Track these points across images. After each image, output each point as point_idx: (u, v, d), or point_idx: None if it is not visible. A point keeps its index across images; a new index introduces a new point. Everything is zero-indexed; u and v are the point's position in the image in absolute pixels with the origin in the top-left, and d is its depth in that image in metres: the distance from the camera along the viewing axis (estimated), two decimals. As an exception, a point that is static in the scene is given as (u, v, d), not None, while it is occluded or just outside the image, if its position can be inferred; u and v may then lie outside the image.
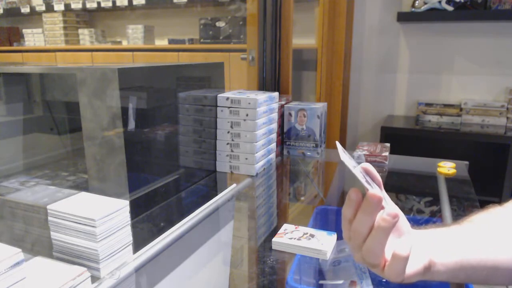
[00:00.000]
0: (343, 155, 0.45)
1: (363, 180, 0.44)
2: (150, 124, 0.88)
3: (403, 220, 0.49)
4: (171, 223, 0.79)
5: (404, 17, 2.20)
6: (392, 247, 0.44)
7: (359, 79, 2.49)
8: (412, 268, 0.45)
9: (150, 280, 0.65)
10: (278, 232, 0.78)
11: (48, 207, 0.60)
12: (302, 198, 1.11)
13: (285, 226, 0.81)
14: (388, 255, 0.45)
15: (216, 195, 0.96)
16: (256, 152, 1.11)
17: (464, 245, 0.49)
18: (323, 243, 0.73)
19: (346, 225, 0.46)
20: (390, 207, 0.44)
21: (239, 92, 1.19)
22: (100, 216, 0.57)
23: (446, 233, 0.51)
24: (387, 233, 0.43)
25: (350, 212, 0.45)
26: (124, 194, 0.80)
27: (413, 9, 2.15)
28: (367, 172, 0.47)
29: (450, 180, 1.12)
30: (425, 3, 2.10)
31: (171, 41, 2.94)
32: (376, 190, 0.43)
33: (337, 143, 0.47)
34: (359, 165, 0.46)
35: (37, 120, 1.09)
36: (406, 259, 0.42)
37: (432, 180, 1.13)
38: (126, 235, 0.63)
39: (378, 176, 0.47)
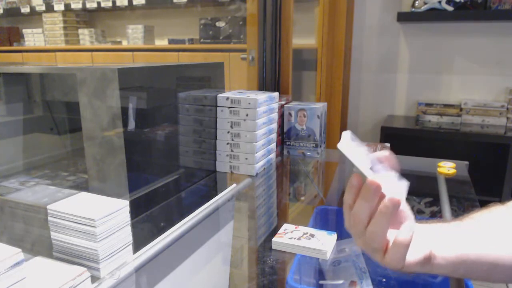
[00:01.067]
0: (346, 144, 0.45)
1: (362, 169, 0.44)
2: (150, 124, 0.88)
3: (406, 212, 0.49)
4: (171, 223, 0.79)
5: (404, 17, 2.20)
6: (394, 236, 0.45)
7: (359, 79, 2.49)
8: (413, 257, 0.45)
9: (150, 280, 0.65)
10: (278, 232, 0.78)
11: (48, 207, 0.60)
12: (302, 198, 1.11)
13: (285, 226, 0.81)
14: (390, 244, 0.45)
15: (216, 195, 0.96)
16: (256, 152, 1.11)
17: (465, 240, 0.49)
18: (323, 243, 0.73)
19: (347, 211, 0.47)
20: (393, 193, 0.44)
21: (239, 92, 1.19)
22: (100, 216, 0.57)
23: (447, 228, 0.51)
24: (388, 218, 0.43)
25: (350, 197, 0.46)
26: (124, 194, 0.80)
27: (413, 9, 2.15)
28: (383, 161, 0.47)
29: (450, 180, 1.12)
30: (425, 3, 2.10)
31: (171, 41, 2.94)
32: (379, 177, 0.43)
33: (344, 134, 0.47)
34: (374, 153, 0.46)
35: (37, 120, 1.09)
36: (407, 245, 0.43)
37: (432, 180, 1.13)
38: (126, 235, 0.63)
39: (394, 163, 0.47)
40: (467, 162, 1.24)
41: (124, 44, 3.24)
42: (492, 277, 0.51)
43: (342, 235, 0.81)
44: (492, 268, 0.49)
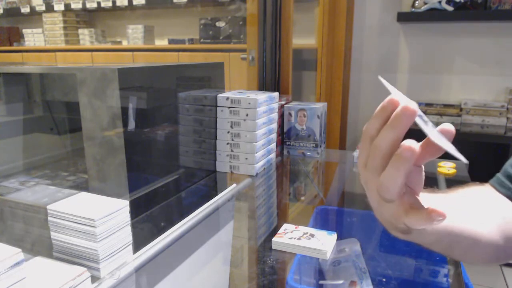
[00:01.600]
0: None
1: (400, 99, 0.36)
2: (150, 124, 0.88)
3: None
4: (171, 223, 0.79)
5: (404, 17, 2.20)
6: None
7: (359, 79, 2.49)
8: None
9: (150, 280, 0.65)
10: (278, 232, 0.78)
11: (48, 207, 0.60)
12: (302, 198, 1.11)
13: (285, 226, 0.81)
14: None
15: (216, 195, 0.96)
16: (256, 152, 1.11)
17: (450, 212, 0.48)
18: (323, 243, 0.73)
19: (366, 144, 0.39)
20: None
21: (239, 92, 1.19)
22: (100, 216, 0.57)
23: (434, 198, 0.49)
24: (403, 165, 0.37)
25: (376, 124, 0.39)
26: (124, 194, 0.80)
27: (413, 9, 2.15)
28: (444, 133, 0.41)
29: (450, 180, 1.12)
30: (425, 3, 2.10)
31: (171, 41, 2.94)
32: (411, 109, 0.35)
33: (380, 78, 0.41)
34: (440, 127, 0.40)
35: (37, 120, 1.09)
36: (444, 218, 0.37)
37: (432, 180, 1.13)
38: (126, 235, 0.63)
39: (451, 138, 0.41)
40: (467, 162, 1.24)
41: (124, 44, 3.24)
42: (472, 255, 0.52)
43: (342, 235, 0.81)
44: (473, 244, 0.50)
